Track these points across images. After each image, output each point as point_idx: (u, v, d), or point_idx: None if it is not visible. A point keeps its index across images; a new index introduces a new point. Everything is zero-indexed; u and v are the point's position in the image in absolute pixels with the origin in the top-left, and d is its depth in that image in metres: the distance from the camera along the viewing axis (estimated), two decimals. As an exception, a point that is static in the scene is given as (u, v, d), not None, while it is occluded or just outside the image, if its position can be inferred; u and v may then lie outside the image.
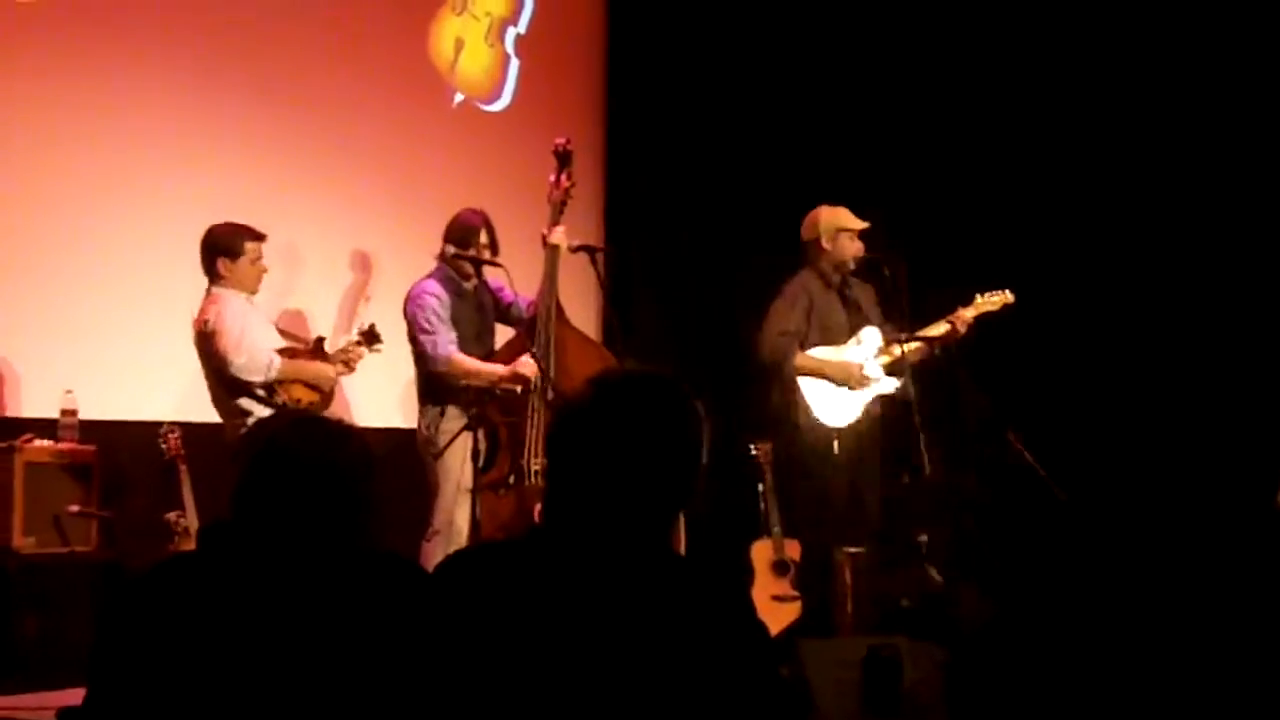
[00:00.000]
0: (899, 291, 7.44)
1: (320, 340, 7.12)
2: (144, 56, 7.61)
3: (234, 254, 6.84)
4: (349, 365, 7.01)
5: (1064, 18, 8.66)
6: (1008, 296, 7.65)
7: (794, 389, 7.48)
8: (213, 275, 6.85)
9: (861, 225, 7.56)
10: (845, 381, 7.49)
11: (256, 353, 6.71)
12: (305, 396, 6.82)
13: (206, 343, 6.76)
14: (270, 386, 6.74)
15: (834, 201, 7.68)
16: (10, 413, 7.08)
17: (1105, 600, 6.48)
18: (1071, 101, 8.68)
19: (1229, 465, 7.88)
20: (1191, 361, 8.21)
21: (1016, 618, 6.72)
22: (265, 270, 6.96)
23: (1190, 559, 7.44)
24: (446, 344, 6.85)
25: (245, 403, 6.73)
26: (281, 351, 6.84)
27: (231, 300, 6.81)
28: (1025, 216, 8.66)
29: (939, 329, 7.53)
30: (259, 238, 6.91)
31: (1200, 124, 8.35)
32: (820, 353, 7.53)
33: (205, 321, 6.75)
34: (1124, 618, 6.29)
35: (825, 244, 7.59)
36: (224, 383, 6.75)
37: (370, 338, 7.00)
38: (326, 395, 6.97)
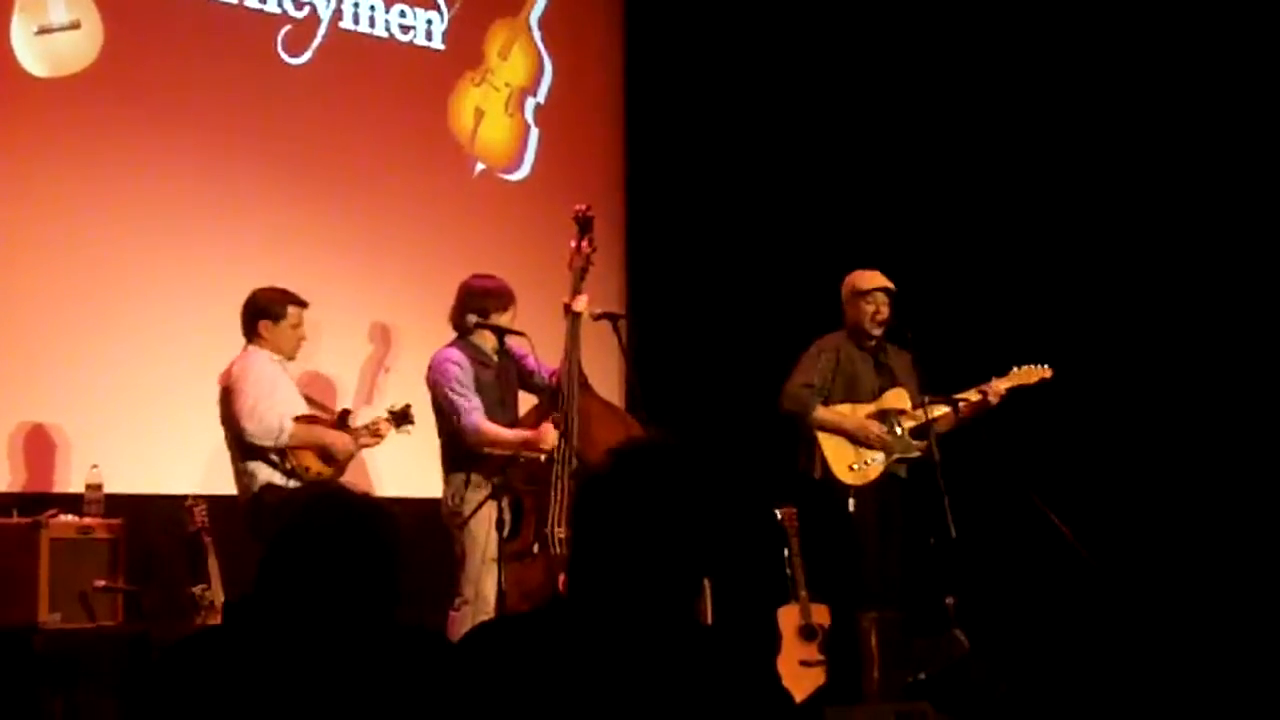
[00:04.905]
0: (922, 356, 7.47)
1: (345, 413, 7.13)
2: (163, 131, 7.68)
3: (275, 317, 6.91)
4: (378, 435, 7.02)
5: (1125, 89, 8.64)
6: (1045, 372, 7.59)
7: (813, 443, 7.48)
8: (251, 336, 6.90)
9: (876, 285, 7.56)
10: (863, 439, 7.49)
11: (269, 417, 6.72)
12: (315, 466, 6.82)
13: (225, 401, 6.83)
14: (281, 452, 6.76)
15: (859, 263, 7.71)
16: (36, 488, 7.10)
17: (1126, 669, 6.45)
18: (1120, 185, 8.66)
19: (1256, 532, 7.86)
20: (1219, 431, 8.16)
21: (1030, 690, 6.72)
22: (304, 338, 7.02)
23: (1217, 627, 7.42)
24: (472, 413, 6.84)
25: (254, 465, 6.77)
26: (301, 418, 6.86)
27: (258, 360, 6.85)
28: (1065, 289, 8.62)
29: (969, 396, 7.51)
30: (301, 304, 6.99)
31: (1240, 203, 8.32)
32: (842, 409, 7.53)
33: (229, 376, 6.82)
34: (1145, 687, 6.25)
35: (847, 308, 7.63)
36: (238, 443, 6.80)
37: (400, 418, 7.00)
38: (339, 467, 6.98)
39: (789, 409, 7.54)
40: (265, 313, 6.90)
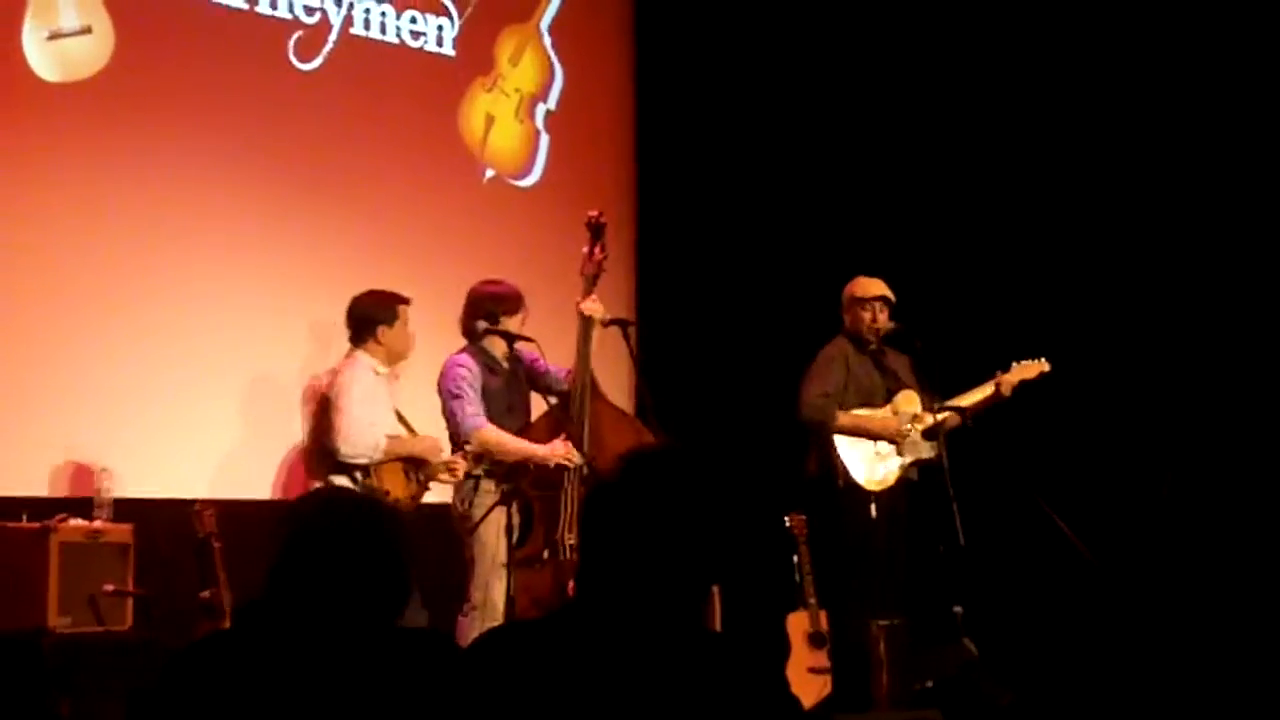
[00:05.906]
0: (928, 363, 7.49)
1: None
2: (174, 136, 7.67)
3: (391, 320, 6.92)
4: (454, 474, 6.93)
5: (1120, 90, 8.63)
6: (1044, 365, 7.66)
7: (833, 451, 7.49)
8: (363, 341, 6.91)
9: (873, 294, 7.61)
10: (888, 437, 7.52)
11: (366, 436, 6.74)
12: (396, 490, 6.83)
13: (325, 412, 6.83)
14: (366, 470, 6.77)
15: (868, 270, 7.74)
16: (45, 492, 7.10)
17: (1135, 677, 6.44)
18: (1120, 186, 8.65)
19: (1265, 538, 7.84)
20: (1226, 435, 8.15)
21: (1038, 698, 6.72)
22: (414, 333, 7.04)
23: (1225, 635, 7.41)
24: (473, 417, 6.82)
25: (335, 478, 6.76)
26: (391, 439, 6.88)
27: (363, 375, 6.85)
28: (1068, 293, 8.62)
29: (984, 392, 7.56)
30: (407, 302, 7.02)
31: (1241, 208, 8.31)
32: (861, 412, 7.56)
33: (333, 387, 6.83)
34: (1153, 695, 6.25)
35: (846, 313, 7.66)
36: (324, 452, 6.81)
37: (479, 456, 6.94)
38: (421, 486, 6.98)
39: (809, 418, 7.56)
40: (378, 318, 6.92)
